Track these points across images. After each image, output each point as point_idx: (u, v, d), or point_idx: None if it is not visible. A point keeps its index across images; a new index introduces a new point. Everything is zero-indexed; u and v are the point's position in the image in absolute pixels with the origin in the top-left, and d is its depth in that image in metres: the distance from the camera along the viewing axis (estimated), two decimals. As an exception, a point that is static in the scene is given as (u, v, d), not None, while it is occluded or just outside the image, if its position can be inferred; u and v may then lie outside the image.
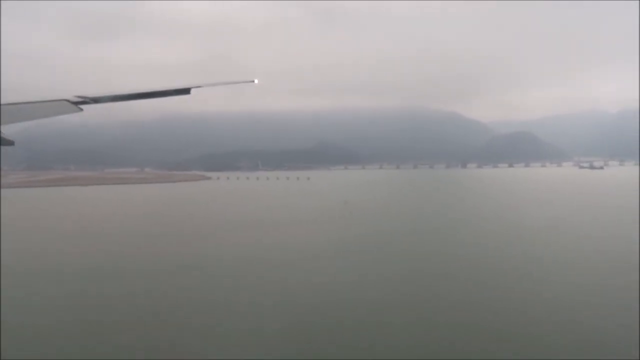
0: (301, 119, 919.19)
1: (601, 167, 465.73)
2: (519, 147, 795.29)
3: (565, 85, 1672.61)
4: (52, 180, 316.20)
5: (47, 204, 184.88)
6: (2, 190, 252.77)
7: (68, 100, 9.39)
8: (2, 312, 42.24)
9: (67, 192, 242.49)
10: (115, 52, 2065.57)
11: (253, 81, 12.49)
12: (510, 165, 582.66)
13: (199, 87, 10.62)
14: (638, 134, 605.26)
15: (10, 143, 8.38)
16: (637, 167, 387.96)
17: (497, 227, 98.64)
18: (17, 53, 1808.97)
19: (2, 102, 8.75)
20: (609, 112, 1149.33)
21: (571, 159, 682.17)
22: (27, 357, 34.55)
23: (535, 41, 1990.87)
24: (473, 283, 54.45)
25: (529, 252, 71.40)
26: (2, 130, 8.34)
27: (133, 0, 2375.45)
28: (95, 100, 9.72)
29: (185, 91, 10.38)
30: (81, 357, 35.46)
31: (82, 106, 9.59)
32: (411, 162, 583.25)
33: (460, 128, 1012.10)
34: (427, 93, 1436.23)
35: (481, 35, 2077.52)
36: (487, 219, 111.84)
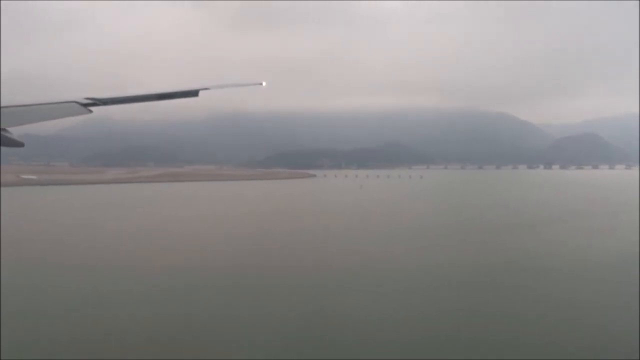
0: (364, 119, 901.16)
1: None
2: (586, 150, 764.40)
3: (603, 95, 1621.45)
4: (154, 177, 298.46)
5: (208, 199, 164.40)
6: (107, 185, 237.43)
7: (77, 102, 9.21)
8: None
9: (193, 188, 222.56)
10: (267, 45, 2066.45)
11: (261, 83, 11.94)
12: (612, 167, 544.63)
13: (207, 89, 10.34)
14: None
15: (20, 144, 8.30)
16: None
17: None
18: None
19: (9, 104, 8.65)
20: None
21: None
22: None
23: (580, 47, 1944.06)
24: None
25: None
26: (12, 132, 8.30)
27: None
28: (105, 101, 9.49)
29: (194, 93, 10.12)
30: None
31: (91, 108, 9.36)
32: (493, 163, 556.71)
33: (513, 130, 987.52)
34: (474, 94, 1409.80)
35: (532, 37, 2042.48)
36: None
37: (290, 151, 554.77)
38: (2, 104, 8.48)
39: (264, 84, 11.90)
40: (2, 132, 8.08)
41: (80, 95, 9.46)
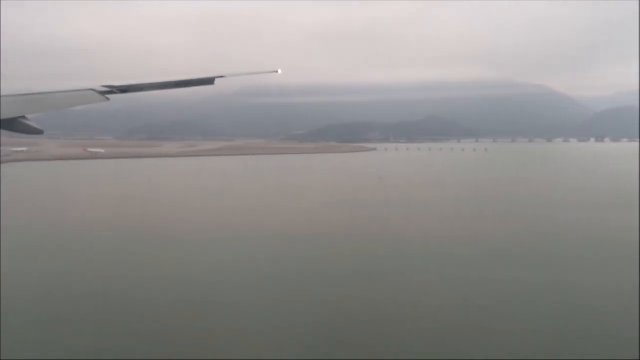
0: (403, 91, 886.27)
1: None
2: (631, 123, 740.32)
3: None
4: (215, 150, 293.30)
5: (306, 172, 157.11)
6: (178, 158, 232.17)
7: (94, 90, 9.47)
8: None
9: (269, 161, 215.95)
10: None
11: (277, 71, 12.11)
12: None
13: (222, 77, 10.58)
14: None
15: (40, 132, 8.62)
16: None
17: None
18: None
19: (29, 92, 8.88)
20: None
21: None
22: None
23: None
24: None
25: None
26: (30, 119, 8.51)
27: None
28: (122, 90, 9.73)
29: (210, 81, 10.48)
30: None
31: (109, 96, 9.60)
32: (542, 137, 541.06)
33: (553, 102, 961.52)
34: (511, 65, 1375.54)
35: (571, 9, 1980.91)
36: None
37: (335, 125, 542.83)
38: (25, 92, 8.52)
39: (279, 71, 11.89)
40: (22, 120, 8.13)
41: (99, 84, 9.33)
